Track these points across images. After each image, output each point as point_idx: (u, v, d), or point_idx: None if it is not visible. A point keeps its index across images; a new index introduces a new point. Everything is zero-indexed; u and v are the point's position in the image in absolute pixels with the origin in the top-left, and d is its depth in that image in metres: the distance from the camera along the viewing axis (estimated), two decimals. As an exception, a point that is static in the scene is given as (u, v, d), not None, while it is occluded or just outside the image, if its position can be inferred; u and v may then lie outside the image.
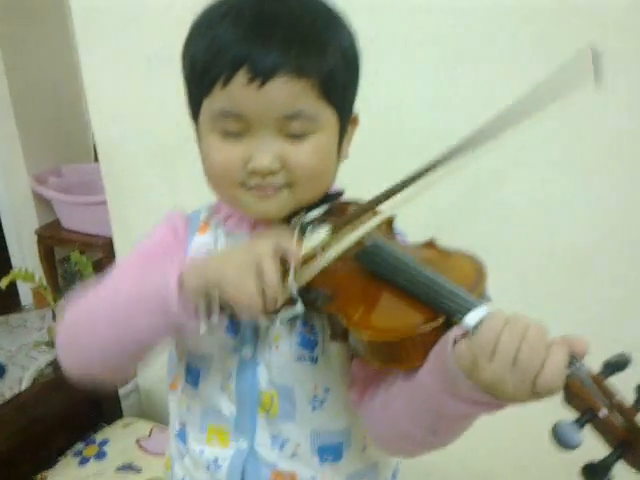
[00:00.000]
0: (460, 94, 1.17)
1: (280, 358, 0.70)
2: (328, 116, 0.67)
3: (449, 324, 0.53)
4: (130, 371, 0.75)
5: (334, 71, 0.65)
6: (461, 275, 0.58)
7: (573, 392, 0.47)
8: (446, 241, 0.68)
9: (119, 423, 1.71)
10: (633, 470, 0.45)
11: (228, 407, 0.73)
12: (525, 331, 0.47)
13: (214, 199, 0.78)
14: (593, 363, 0.49)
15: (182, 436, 0.79)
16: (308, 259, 0.62)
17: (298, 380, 0.70)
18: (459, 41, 1.15)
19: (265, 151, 0.65)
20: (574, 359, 0.47)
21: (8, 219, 2.71)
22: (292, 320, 0.65)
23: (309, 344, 0.69)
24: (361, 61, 0.72)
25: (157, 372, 0.78)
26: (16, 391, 1.82)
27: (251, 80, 0.61)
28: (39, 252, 2.66)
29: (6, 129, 2.56)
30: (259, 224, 0.73)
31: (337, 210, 0.73)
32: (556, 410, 0.47)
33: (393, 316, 0.57)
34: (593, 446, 0.45)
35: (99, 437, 1.65)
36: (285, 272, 0.59)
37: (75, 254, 1.90)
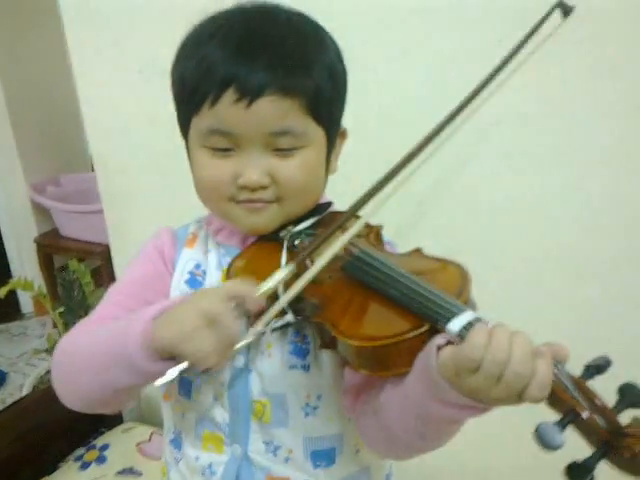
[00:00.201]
0: (454, 100, 1.19)
1: (272, 366, 0.72)
2: (315, 132, 0.69)
3: (434, 331, 0.54)
4: (122, 405, 0.75)
5: (320, 89, 0.67)
6: (446, 282, 0.60)
7: (556, 395, 0.48)
8: (438, 244, 0.70)
9: (119, 428, 1.73)
10: (615, 469, 0.47)
11: (221, 415, 0.74)
12: (509, 348, 0.48)
13: (206, 210, 0.80)
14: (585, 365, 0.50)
15: (177, 443, 0.81)
16: (271, 293, 0.62)
17: (290, 388, 0.72)
18: (453, 46, 1.17)
19: (254, 166, 0.67)
20: (557, 363, 0.49)
21: (7, 228, 2.72)
22: (283, 329, 0.67)
23: (301, 352, 0.71)
24: (347, 77, 0.74)
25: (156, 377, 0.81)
26: (17, 398, 1.84)
27: (239, 99, 0.63)
28: (38, 260, 2.69)
29: (4, 139, 2.58)
30: (249, 237, 0.75)
31: (326, 222, 0.75)
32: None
33: (379, 324, 0.59)
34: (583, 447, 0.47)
35: (99, 442, 1.67)
36: (244, 316, 0.60)
37: (73, 262, 1.92)
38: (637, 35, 1.03)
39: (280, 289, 0.63)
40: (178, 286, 0.77)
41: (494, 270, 1.20)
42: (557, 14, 0.84)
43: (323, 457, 0.75)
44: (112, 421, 1.76)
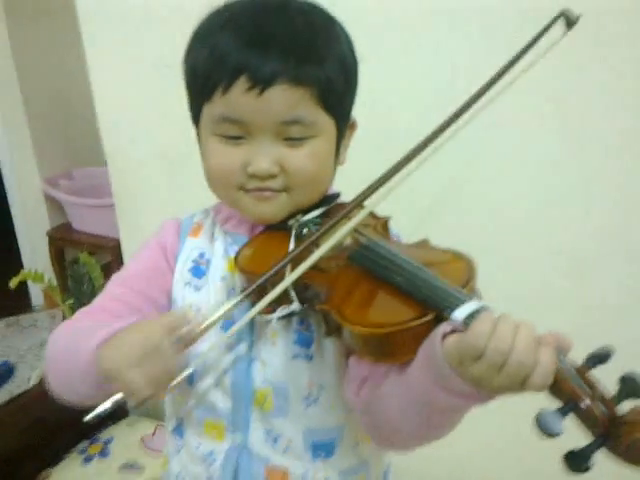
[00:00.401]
0: (459, 99, 1.19)
1: (276, 355, 0.72)
2: (325, 122, 0.69)
3: (440, 319, 0.54)
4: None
5: (332, 80, 0.67)
6: (452, 272, 0.60)
7: (558, 384, 0.48)
8: (439, 241, 0.70)
9: (124, 422, 1.74)
10: (613, 458, 0.47)
11: (223, 402, 0.75)
12: (513, 337, 0.48)
13: (214, 200, 0.80)
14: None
15: (179, 431, 0.81)
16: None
17: (293, 378, 0.72)
18: (458, 45, 1.17)
19: (264, 155, 0.67)
20: (559, 352, 0.49)
21: (20, 221, 2.75)
22: (288, 317, 0.67)
23: (305, 342, 0.71)
24: (359, 69, 0.74)
25: None
26: (24, 390, 1.85)
27: (251, 88, 0.64)
28: (50, 253, 2.70)
29: (20, 133, 2.60)
30: (257, 226, 0.75)
31: (334, 212, 0.75)
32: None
33: (384, 312, 0.59)
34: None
35: (104, 435, 1.68)
36: (184, 347, 0.59)
37: (84, 255, 1.93)
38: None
39: (287, 272, 0.63)
40: (182, 275, 0.77)
41: (501, 269, 1.20)
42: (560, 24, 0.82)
43: (322, 448, 0.75)
44: (117, 415, 1.77)
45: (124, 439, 1.66)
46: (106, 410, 0.59)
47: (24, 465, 1.57)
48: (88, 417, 0.59)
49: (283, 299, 0.66)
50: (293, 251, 0.65)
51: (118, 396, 0.58)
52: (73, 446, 1.66)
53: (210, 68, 0.66)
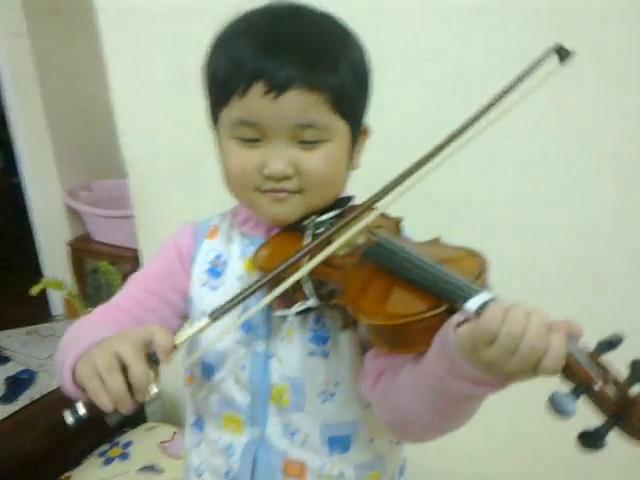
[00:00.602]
0: (465, 107, 1.22)
1: (292, 352, 0.74)
2: (339, 127, 0.72)
3: (453, 311, 0.57)
4: None
5: (345, 85, 0.70)
6: (465, 267, 0.62)
7: (569, 367, 0.50)
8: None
9: (143, 427, 1.76)
10: (625, 437, 0.49)
11: (242, 397, 0.77)
12: (525, 322, 0.50)
13: (231, 204, 0.83)
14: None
15: (198, 425, 0.84)
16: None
17: (309, 374, 0.74)
18: (463, 53, 1.19)
19: (279, 157, 0.70)
20: (572, 336, 0.51)
21: (41, 231, 2.80)
22: (305, 313, 0.70)
23: (320, 339, 0.73)
24: (372, 76, 0.77)
25: (180, 378, 0.85)
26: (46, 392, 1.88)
27: (267, 92, 0.67)
28: (70, 264, 2.75)
29: (42, 146, 2.66)
30: (274, 228, 0.78)
31: (347, 214, 0.77)
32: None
33: (399, 304, 0.61)
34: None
35: (123, 439, 1.70)
36: (152, 364, 0.60)
37: (104, 264, 1.97)
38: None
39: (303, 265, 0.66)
40: (199, 276, 0.80)
41: (510, 275, 1.22)
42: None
43: (339, 443, 0.77)
44: (136, 420, 1.80)
45: (143, 443, 1.68)
46: (81, 416, 0.60)
47: (45, 467, 1.60)
48: (68, 420, 0.60)
49: (299, 295, 0.69)
50: (307, 245, 0.67)
51: (80, 407, 0.59)
52: (93, 449, 1.68)
53: (228, 73, 0.69)
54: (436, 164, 0.68)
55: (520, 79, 0.69)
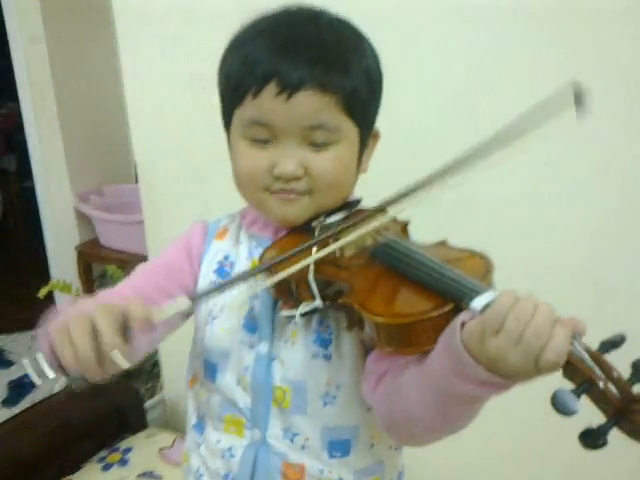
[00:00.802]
0: (481, 114, 1.22)
1: (295, 355, 0.74)
2: (349, 129, 0.72)
3: (458, 310, 0.57)
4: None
5: (357, 89, 0.70)
6: (470, 267, 0.63)
7: (572, 366, 0.50)
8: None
9: (143, 433, 1.75)
10: (626, 436, 0.49)
11: (243, 399, 0.76)
12: (533, 311, 0.50)
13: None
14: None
15: (199, 427, 0.83)
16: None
17: (311, 377, 0.74)
18: (480, 61, 1.20)
19: (290, 157, 0.70)
20: (575, 335, 0.51)
21: (50, 234, 2.82)
22: (310, 314, 0.69)
23: (324, 342, 0.73)
24: (384, 81, 0.77)
25: (183, 383, 0.85)
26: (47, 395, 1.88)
27: (279, 92, 0.67)
28: (78, 268, 2.76)
29: (54, 150, 2.69)
30: (281, 230, 0.78)
31: (355, 217, 0.77)
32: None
33: (405, 303, 0.62)
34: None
35: (123, 445, 1.69)
36: (126, 336, 0.60)
37: (112, 267, 1.97)
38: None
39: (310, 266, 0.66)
40: (207, 275, 0.80)
41: (513, 277, 1.22)
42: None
43: (338, 448, 0.77)
44: (137, 426, 1.79)
45: (143, 450, 1.67)
46: (43, 370, 0.60)
47: (44, 471, 1.59)
48: (28, 369, 0.61)
49: (305, 295, 0.68)
50: (316, 238, 0.68)
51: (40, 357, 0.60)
52: (93, 455, 1.67)
53: (242, 74, 0.70)
54: (453, 179, 0.67)
55: (531, 113, 0.68)
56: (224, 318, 0.77)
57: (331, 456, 0.77)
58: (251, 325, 0.76)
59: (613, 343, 0.51)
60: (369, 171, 0.81)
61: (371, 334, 0.62)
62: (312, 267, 0.67)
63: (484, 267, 0.63)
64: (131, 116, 1.70)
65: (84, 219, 2.80)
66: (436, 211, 1.23)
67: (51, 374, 0.61)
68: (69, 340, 0.59)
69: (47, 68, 2.56)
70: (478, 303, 0.54)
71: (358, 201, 0.80)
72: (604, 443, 0.47)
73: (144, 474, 1.57)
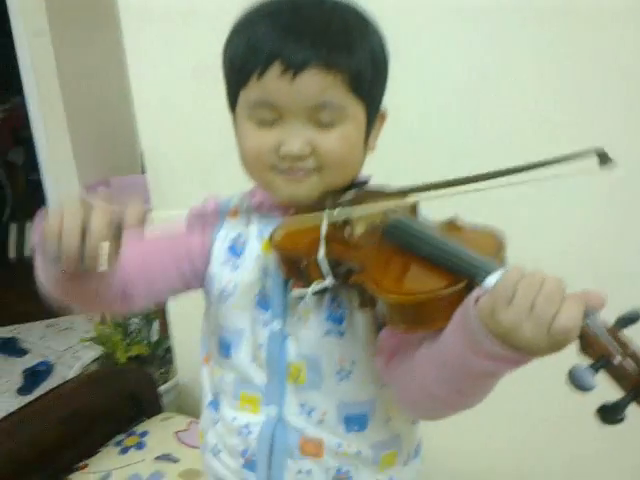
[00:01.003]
0: (486, 107, 1.22)
1: (309, 332, 0.75)
2: (355, 109, 0.72)
3: (471, 287, 0.57)
4: (100, 302, 0.76)
5: (362, 67, 0.71)
6: (482, 245, 0.63)
7: (588, 341, 0.50)
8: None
9: (158, 417, 1.77)
10: None
11: (259, 376, 0.78)
12: (543, 281, 0.51)
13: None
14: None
15: (215, 405, 0.85)
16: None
17: (325, 353, 0.75)
18: (481, 61, 1.20)
19: (296, 137, 0.70)
20: (590, 310, 0.51)
21: (59, 227, 2.84)
22: (321, 293, 0.70)
23: (337, 319, 0.74)
24: (390, 62, 0.77)
25: (197, 368, 0.87)
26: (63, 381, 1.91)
27: (284, 72, 0.67)
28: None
29: (61, 141, 2.70)
30: (290, 209, 0.78)
31: (364, 196, 0.78)
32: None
33: (417, 281, 0.62)
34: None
35: (139, 429, 1.71)
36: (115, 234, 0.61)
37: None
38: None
39: (321, 247, 0.67)
40: (220, 253, 0.81)
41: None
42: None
43: (355, 422, 0.78)
44: (152, 411, 1.81)
45: (159, 433, 1.69)
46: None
47: (62, 456, 1.61)
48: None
49: (316, 274, 0.69)
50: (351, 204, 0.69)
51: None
52: (109, 439, 1.70)
53: (247, 55, 0.70)
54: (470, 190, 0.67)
55: (552, 163, 0.69)
56: (237, 296, 0.78)
57: (348, 430, 0.78)
58: (263, 303, 0.77)
59: (630, 319, 0.51)
60: (371, 170, 0.82)
61: (383, 312, 0.63)
62: (323, 246, 0.67)
63: (496, 244, 0.63)
64: (137, 108, 1.70)
65: (92, 210, 2.81)
66: (441, 203, 1.25)
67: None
68: (60, 215, 0.59)
69: (52, 62, 2.56)
70: (491, 280, 0.54)
71: (366, 181, 0.80)
72: (622, 418, 0.48)
73: (161, 457, 1.59)
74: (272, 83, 0.69)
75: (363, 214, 0.68)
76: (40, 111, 2.64)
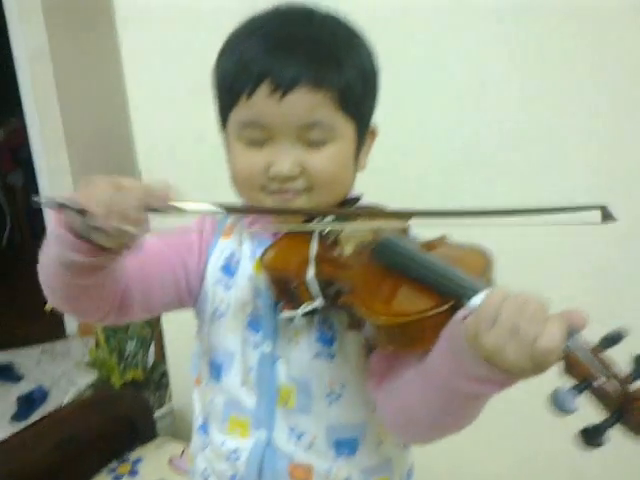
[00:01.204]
0: (486, 113, 1.22)
1: (299, 354, 0.74)
2: (345, 127, 0.72)
3: (458, 307, 0.56)
4: (93, 305, 0.73)
5: (351, 85, 0.70)
6: (470, 264, 0.62)
7: (571, 362, 0.49)
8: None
9: (153, 443, 1.75)
10: (627, 433, 0.47)
11: (249, 399, 0.76)
12: (525, 302, 0.50)
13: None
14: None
15: (204, 428, 0.83)
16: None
17: (315, 375, 0.74)
18: (481, 60, 1.20)
19: (285, 157, 0.70)
20: (573, 331, 0.50)
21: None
22: (311, 314, 0.69)
23: (327, 340, 0.73)
24: (380, 78, 0.77)
25: (191, 392, 0.86)
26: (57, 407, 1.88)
27: (273, 91, 0.67)
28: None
29: (58, 158, 2.70)
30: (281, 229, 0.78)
31: (354, 214, 0.77)
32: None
33: (406, 302, 0.61)
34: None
35: (133, 456, 1.69)
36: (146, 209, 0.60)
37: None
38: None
39: (310, 269, 0.66)
40: (214, 272, 0.80)
41: (512, 272, 1.22)
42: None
43: (345, 446, 0.76)
44: (146, 436, 1.78)
45: (153, 460, 1.67)
46: (60, 204, 0.59)
47: (55, 482, 1.59)
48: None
49: (306, 296, 0.68)
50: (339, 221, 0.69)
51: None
52: (103, 466, 1.67)
53: (236, 74, 0.70)
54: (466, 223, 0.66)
55: (553, 212, 0.68)
56: (229, 316, 0.77)
57: (338, 454, 0.76)
58: (255, 324, 0.76)
59: (613, 339, 0.50)
60: (370, 170, 0.81)
61: (372, 333, 0.62)
62: (313, 266, 0.67)
63: (484, 263, 0.62)
64: (136, 132, 1.71)
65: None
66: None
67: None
68: (93, 184, 0.59)
69: (52, 83, 2.58)
70: (477, 301, 0.54)
71: (357, 199, 0.79)
72: (602, 442, 0.47)
73: (154, 484, 1.56)
74: (261, 103, 0.68)
75: (353, 232, 0.66)
76: (40, 133, 2.66)
